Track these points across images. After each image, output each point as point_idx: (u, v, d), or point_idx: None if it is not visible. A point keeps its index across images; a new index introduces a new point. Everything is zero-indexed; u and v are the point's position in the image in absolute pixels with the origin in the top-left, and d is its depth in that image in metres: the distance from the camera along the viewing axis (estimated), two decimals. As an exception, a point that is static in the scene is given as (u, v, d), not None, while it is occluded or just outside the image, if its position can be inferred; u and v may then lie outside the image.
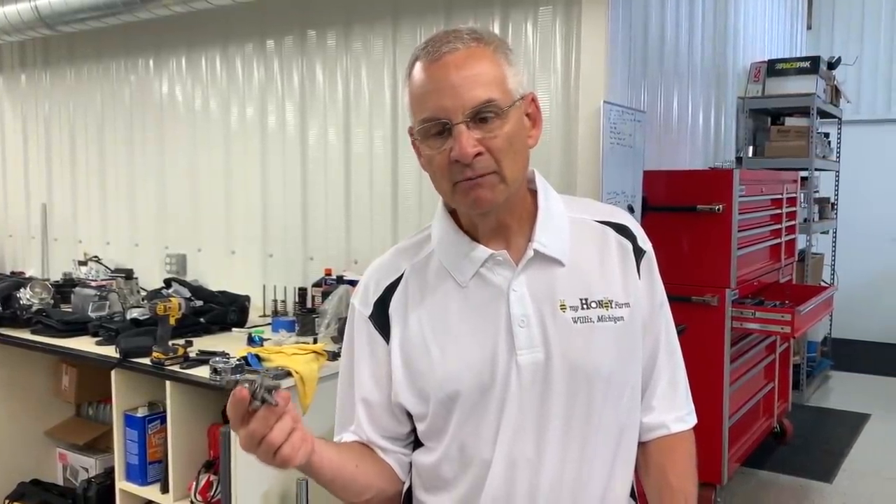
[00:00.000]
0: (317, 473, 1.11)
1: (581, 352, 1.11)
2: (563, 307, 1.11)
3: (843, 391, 5.64)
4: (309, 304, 3.41)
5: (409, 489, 1.24)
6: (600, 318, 1.12)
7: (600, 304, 1.13)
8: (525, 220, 1.16)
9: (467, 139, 1.03)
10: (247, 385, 0.98)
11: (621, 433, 1.16)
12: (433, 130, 1.06)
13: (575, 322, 1.11)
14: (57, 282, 3.88)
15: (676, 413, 1.23)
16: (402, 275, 1.19)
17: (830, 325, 6.19)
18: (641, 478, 1.23)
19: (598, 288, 1.14)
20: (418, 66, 1.08)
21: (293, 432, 1.00)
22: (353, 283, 3.17)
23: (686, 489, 1.19)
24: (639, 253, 1.19)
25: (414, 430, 1.21)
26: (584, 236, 1.17)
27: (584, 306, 1.12)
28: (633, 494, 1.22)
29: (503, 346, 1.10)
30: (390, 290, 1.19)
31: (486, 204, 1.08)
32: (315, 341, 2.84)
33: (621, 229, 1.20)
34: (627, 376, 1.16)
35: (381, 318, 1.18)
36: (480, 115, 1.04)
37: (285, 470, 1.03)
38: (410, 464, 1.23)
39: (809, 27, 7.19)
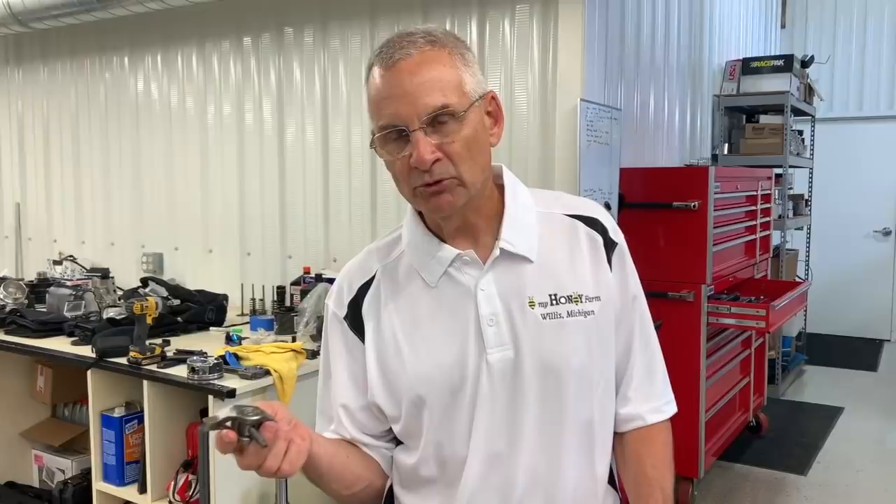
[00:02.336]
0: (314, 466, 1.10)
1: (551, 348, 1.11)
2: (531, 304, 1.12)
3: (817, 385, 5.72)
4: (287, 303, 3.41)
5: (391, 488, 1.24)
6: (570, 314, 1.12)
7: (570, 299, 1.13)
8: (492, 217, 1.16)
9: (425, 146, 1.03)
10: (229, 423, 0.96)
11: (595, 426, 1.16)
12: (391, 137, 1.06)
13: (544, 318, 1.11)
14: (31, 281, 3.83)
15: (653, 403, 1.23)
16: (374, 276, 1.20)
17: (805, 320, 6.28)
18: (619, 468, 1.24)
19: (568, 283, 1.14)
20: (374, 71, 1.07)
21: (289, 449, 1.00)
22: (332, 281, 3.16)
23: (662, 480, 1.20)
24: (610, 245, 1.19)
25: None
26: (552, 231, 1.17)
27: (554, 302, 1.12)
28: (612, 482, 1.23)
29: (473, 346, 1.11)
30: (363, 290, 1.20)
31: (446, 208, 1.08)
32: (294, 340, 2.83)
33: (591, 222, 1.19)
34: (600, 370, 1.17)
35: (355, 318, 1.19)
36: (437, 121, 1.03)
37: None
38: (392, 459, 1.24)
39: (783, 26, 7.28)
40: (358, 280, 1.21)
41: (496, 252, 1.13)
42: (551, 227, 1.17)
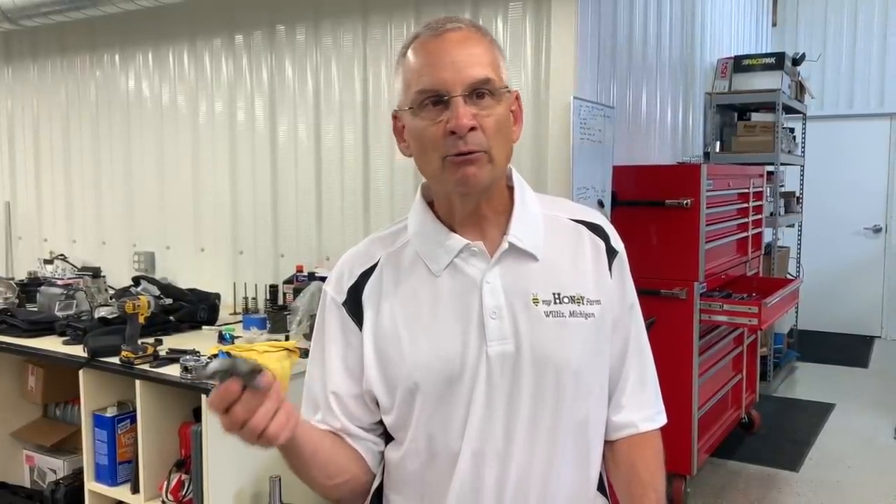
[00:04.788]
0: (298, 449, 1.09)
1: (551, 345, 1.11)
2: (535, 301, 1.12)
3: (808, 382, 5.75)
4: (280, 302, 3.40)
5: (380, 488, 1.24)
6: (572, 314, 1.13)
7: (572, 299, 1.14)
8: (501, 213, 1.17)
9: (465, 111, 1.05)
10: (223, 374, 0.95)
11: (589, 428, 1.17)
12: (429, 103, 1.07)
13: (547, 316, 1.12)
14: (22, 281, 3.81)
15: (645, 412, 1.24)
16: (377, 263, 1.19)
17: (796, 316, 6.31)
18: (610, 474, 1.24)
19: (571, 283, 1.15)
20: (418, 42, 1.10)
21: (277, 412, 1.00)
22: (325, 279, 3.16)
23: (656, 483, 1.20)
24: (611, 252, 1.20)
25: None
26: (557, 233, 1.18)
27: (557, 301, 1.13)
28: (602, 489, 1.24)
29: (474, 338, 1.11)
30: (364, 277, 1.19)
31: (473, 181, 1.08)
32: (287, 338, 2.83)
33: (595, 228, 1.21)
34: (596, 372, 1.17)
35: (354, 305, 1.18)
36: (478, 92, 1.07)
37: (268, 449, 1.03)
38: (381, 455, 1.23)
39: (774, 24, 7.31)
40: (360, 266, 1.20)
41: (504, 245, 1.14)
42: (556, 229, 1.19)
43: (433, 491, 1.15)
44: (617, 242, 1.22)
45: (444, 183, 1.11)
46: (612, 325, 1.19)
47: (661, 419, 1.26)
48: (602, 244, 1.20)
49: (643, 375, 1.25)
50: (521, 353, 1.11)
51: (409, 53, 1.11)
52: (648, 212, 3.45)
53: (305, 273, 3.41)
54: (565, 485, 1.15)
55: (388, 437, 1.22)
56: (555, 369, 1.12)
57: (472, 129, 1.06)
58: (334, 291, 1.20)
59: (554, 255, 1.16)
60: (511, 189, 1.19)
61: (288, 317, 3.00)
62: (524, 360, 1.11)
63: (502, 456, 1.11)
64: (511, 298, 1.12)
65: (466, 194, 1.12)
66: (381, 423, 1.21)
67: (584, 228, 1.20)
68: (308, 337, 2.80)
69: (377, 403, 1.19)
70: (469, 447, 1.11)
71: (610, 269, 1.19)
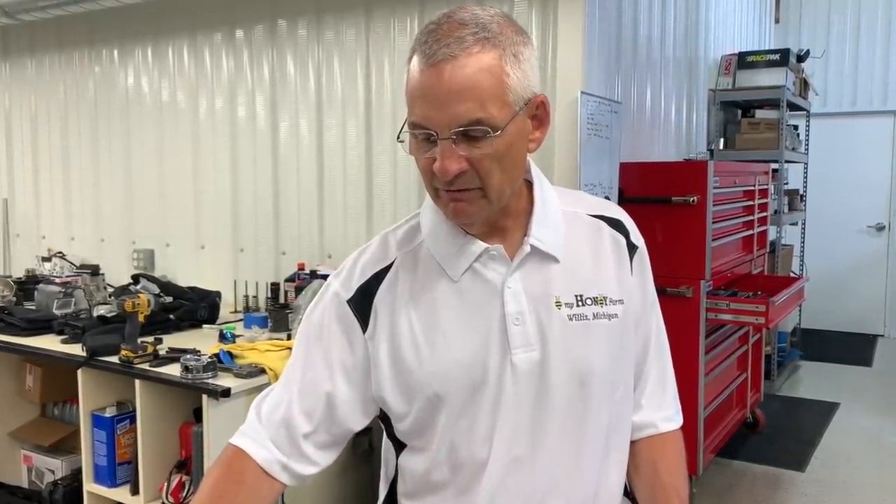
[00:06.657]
0: None
1: (577, 350, 1.08)
2: (558, 304, 1.08)
3: (812, 381, 5.72)
4: (282, 300, 3.36)
5: (392, 493, 1.20)
6: (595, 316, 1.09)
7: (595, 300, 1.10)
8: (520, 214, 1.11)
9: (450, 156, 0.97)
10: None
11: (615, 431, 1.13)
12: (420, 136, 1.00)
13: (570, 319, 1.08)
14: (19, 278, 3.77)
15: (665, 412, 1.21)
16: (392, 264, 1.13)
17: (800, 315, 6.28)
18: (631, 475, 1.20)
19: (593, 284, 1.11)
20: (414, 61, 0.99)
21: None
22: (327, 277, 3.13)
23: (678, 486, 1.17)
24: (632, 248, 1.16)
25: (345, 437, 1.15)
26: (578, 231, 1.14)
27: (580, 303, 1.09)
28: (626, 493, 1.20)
29: (495, 344, 1.06)
30: (377, 278, 1.12)
31: (464, 217, 1.04)
32: (289, 337, 2.79)
33: (615, 224, 1.17)
34: (621, 374, 1.14)
35: (362, 305, 1.12)
36: (469, 133, 0.97)
37: None
38: (303, 479, 1.14)
39: (777, 21, 7.27)
40: (373, 267, 1.13)
41: (526, 249, 1.09)
42: (576, 226, 1.14)
43: (457, 499, 1.11)
44: (637, 238, 1.19)
45: (442, 209, 1.06)
46: (634, 324, 1.15)
47: (680, 419, 1.24)
48: (623, 240, 1.16)
49: (663, 375, 1.22)
50: (547, 360, 1.07)
51: (410, 67, 1.00)
52: (654, 209, 3.41)
53: (307, 271, 3.38)
54: (593, 491, 1.11)
55: (398, 446, 1.17)
56: (581, 374, 1.08)
57: (462, 171, 0.98)
58: (341, 287, 1.14)
59: (575, 255, 1.12)
60: (530, 184, 1.14)
61: (290, 315, 2.96)
62: (551, 367, 1.07)
63: (530, 463, 1.07)
64: (534, 303, 1.07)
65: (465, 224, 1.07)
66: (343, 438, 1.15)
67: (604, 224, 1.16)
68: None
69: (381, 412, 1.14)
70: (497, 455, 1.07)
71: (631, 265, 1.16)
